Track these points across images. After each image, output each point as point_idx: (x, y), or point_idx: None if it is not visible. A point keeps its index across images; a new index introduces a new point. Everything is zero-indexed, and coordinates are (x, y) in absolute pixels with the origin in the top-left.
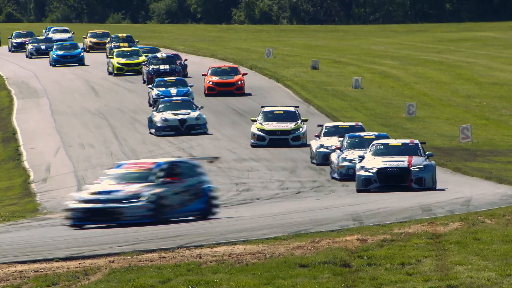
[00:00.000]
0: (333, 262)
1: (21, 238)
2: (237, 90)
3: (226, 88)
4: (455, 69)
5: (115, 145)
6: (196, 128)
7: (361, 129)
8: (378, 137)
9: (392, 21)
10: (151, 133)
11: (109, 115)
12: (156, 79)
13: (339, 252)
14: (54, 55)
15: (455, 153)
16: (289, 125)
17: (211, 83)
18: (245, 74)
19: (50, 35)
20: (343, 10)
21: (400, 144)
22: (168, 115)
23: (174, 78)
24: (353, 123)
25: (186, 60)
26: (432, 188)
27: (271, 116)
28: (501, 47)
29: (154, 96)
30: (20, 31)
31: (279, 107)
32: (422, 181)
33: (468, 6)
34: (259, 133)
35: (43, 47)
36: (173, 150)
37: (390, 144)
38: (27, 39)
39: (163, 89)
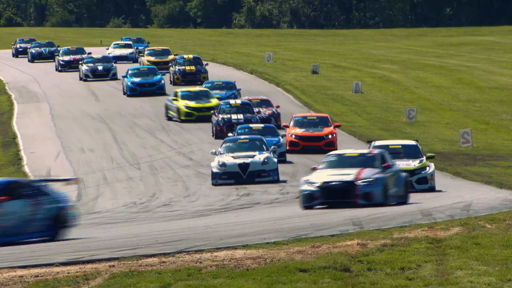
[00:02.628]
0: (334, 266)
1: (21, 242)
2: (326, 146)
3: (313, 143)
4: (455, 74)
5: (115, 150)
6: (263, 175)
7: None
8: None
9: (392, 25)
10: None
11: (109, 120)
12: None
13: (339, 256)
14: (129, 83)
15: (456, 157)
16: (412, 163)
17: (294, 136)
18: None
19: (109, 50)
20: (343, 15)
21: (357, 154)
22: (227, 158)
23: (261, 126)
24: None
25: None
26: (385, 203)
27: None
28: (501, 52)
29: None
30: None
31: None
32: (370, 196)
33: (468, 11)
34: None
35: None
36: (173, 155)
37: (345, 155)
38: (29, 45)
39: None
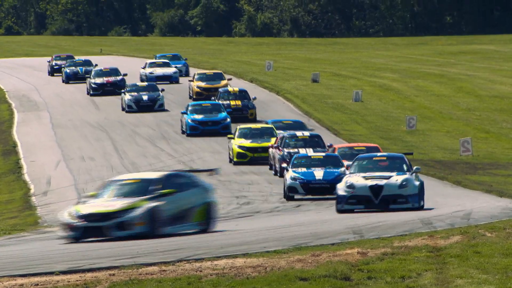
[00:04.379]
0: (334, 275)
1: (21, 251)
2: None
3: None
4: (456, 82)
5: (115, 158)
6: (400, 201)
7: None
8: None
9: (392, 34)
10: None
11: (109, 128)
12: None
13: (339, 265)
14: (189, 120)
15: (456, 166)
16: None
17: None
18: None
19: (148, 69)
20: (343, 23)
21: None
22: (357, 178)
23: (322, 155)
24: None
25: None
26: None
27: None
28: (502, 60)
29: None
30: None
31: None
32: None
33: (468, 19)
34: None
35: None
36: (174, 163)
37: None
38: (65, 62)
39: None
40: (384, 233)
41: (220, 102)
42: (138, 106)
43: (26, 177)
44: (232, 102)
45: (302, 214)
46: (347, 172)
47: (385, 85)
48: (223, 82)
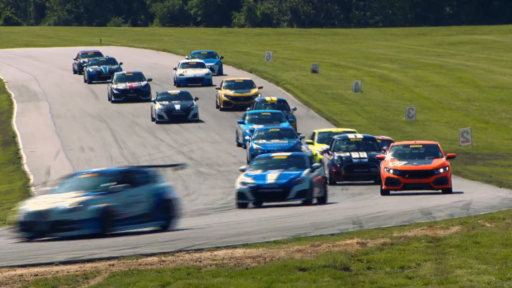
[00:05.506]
0: (333, 265)
1: (20, 241)
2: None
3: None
4: (455, 73)
5: (115, 149)
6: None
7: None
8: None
9: (392, 24)
10: None
11: (109, 119)
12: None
13: (339, 255)
14: (247, 130)
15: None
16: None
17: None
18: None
19: (179, 71)
20: (343, 13)
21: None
22: None
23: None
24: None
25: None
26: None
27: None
28: (501, 51)
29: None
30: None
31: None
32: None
33: (467, 9)
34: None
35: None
36: (173, 153)
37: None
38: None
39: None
40: (383, 223)
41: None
42: (169, 116)
43: (26, 167)
44: None
45: (301, 204)
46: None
47: (384, 75)
48: (254, 91)
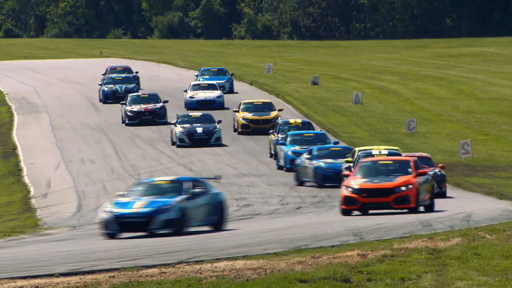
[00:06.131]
0: (334, 277)
1: (21, 253)
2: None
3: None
4: (455, 85)
5: (115, 161)
6: None
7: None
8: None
9: (392, 36)
10: None
11: (109, 131)
12: None
13: (339, 267)
14: (289, 152)
15: (456, 168)
16: None
17: None
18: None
19: (189, 93)
20: (343, 26)
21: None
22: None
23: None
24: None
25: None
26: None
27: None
28: (501, 63)
29: None
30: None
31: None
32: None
33: (468, 22)
34: None
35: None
36: (173, 165)
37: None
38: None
39: None
40: (384, 235)
41: (280, 136)
42: (191, 140)
43: (26, 179)
44: None
45: (302, 216)
46: None
47: (385, 87)
48: (274, 113)
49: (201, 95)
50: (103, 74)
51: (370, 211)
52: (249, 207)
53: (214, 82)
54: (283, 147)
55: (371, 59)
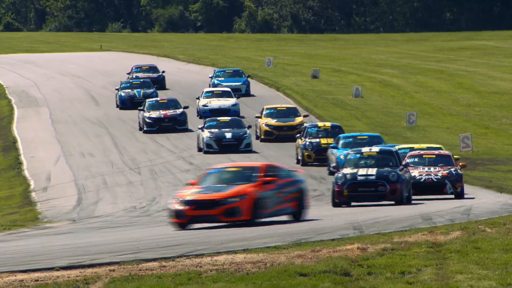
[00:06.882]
0: (334, 271)
1: (21, 247)
2: None
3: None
4: (455, 78)
5: (115, 154)
6: None
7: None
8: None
9: (392, 30)
10: None
11: (109, 124)
12: None
13: (339, 261)
14: (341, 156)
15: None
16: None
17: None
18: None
19: (203, 101)
20: (343, 19)
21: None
22: None
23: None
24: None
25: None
26: None
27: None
28: (501, 56)
29: None
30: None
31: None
32: None
33: (468, 15)
34: None
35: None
36: (174, 159)
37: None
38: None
39: None
40: (384, 229)
41: (308, 141)
42: (219, 146)
43: (26, 173)
44: (323, 141)
45: None
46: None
47: (385, 81)
48: (298, 120)
49: (215, 103)
50: (127, 73)
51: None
52: None
53: (229, 84)
54: (335, 150)
55: (371, 52)
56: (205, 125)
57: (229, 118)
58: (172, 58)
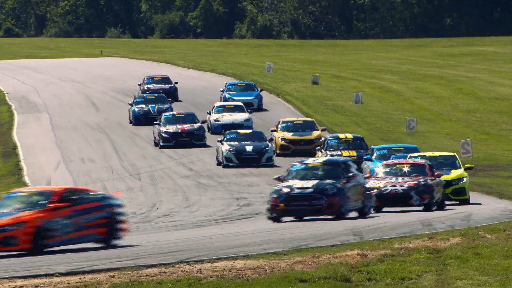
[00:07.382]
0: (334, 277)
1: (21, 253)
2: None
3: None
4: (455, 84)
5: (115, 160)
6: None
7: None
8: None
9: (392, 35)
10: None
11: (109, 130)
12: None
13: (339, 267)
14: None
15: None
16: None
17: None
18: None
19: (214, 116)
20: (343, 25)
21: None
22: None
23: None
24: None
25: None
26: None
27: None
28: (502, 62)
29: None
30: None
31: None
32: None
33: (468, 21)
34: None
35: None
36: (174, 165)
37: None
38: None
39: None
40: (384, 235)
41: (328, 153)
42: (239, 160)
43: (26, 178)
44: (344, 153)
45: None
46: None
47: (385, 86)
48: (316, 133)
49: (227, 118)
50: (139, 84)
51: None
52: (249, 206)
53: (241, 98)
54: (368, 162)
55: (371, 58)
56: (225, 138)
57: (250, 130)
58: (172, 64)
